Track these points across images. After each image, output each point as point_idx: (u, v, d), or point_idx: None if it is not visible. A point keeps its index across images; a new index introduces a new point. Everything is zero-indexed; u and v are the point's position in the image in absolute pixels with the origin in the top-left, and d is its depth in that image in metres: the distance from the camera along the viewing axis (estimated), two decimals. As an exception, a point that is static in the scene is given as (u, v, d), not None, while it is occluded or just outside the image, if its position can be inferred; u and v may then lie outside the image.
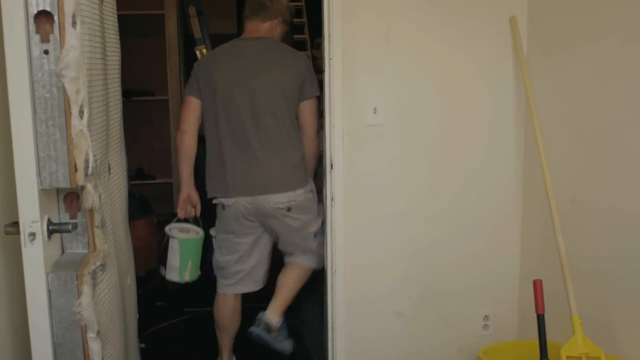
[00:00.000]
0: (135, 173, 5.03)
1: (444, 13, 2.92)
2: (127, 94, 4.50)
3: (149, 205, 4.83)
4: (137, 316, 2.68)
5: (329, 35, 2.81)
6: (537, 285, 2.40)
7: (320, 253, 3.19)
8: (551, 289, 2.58)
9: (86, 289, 1.71)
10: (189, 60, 5.41)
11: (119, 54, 2.32)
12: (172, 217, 5.18)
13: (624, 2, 2.37)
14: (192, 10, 5.83)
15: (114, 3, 2.26)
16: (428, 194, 3.04)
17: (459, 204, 3.06)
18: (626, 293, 2.39)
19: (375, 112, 2.90)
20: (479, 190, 3.07)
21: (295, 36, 8.33)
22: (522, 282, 3.14)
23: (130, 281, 2.45)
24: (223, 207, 3.18)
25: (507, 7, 2.95)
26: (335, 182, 2.92)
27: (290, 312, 4.02)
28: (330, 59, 2.82)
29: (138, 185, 4.89)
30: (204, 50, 5.78)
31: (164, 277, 4.30)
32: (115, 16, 2.26)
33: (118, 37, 2.30)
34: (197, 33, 5.78)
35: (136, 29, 4.85)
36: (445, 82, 2.98)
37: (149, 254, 4.66)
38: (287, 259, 3.35)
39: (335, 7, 2.79)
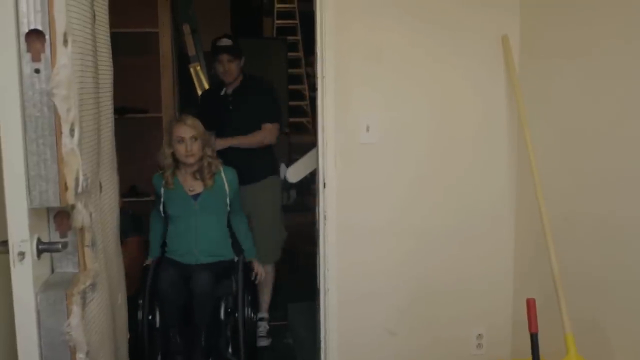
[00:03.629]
0: (129, 190, 5.01)
1: (437, 31, 2.94)
2: (121, 111, 4.49)
3: (141, 224, 4.80)
4: (129, 335, 2.66)
5: (322, 54, 2.82)
6: (531, 304, 2.39)
7: None
8: (544, 305, 2.57)
9: (76, 309, 1.69)
10: (183, 77, 5.42)
11: (111, 72, 2.32)
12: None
13: (614, 19, 2.40)
14: (186, 28, 5.85)
15: (107, 21, 2.26)
16: (421, 211, 3.04)
17: (451, 221, 3.06)
18: (620, 311, 2.39)
19: (368, 130, 2.90)
20: (471, 207, 3.07)
21: (289, 54, 8.38)
22: (515, 300, 3.13)
23: (122, 300, 2.43)
24: None
25: (499, 26, 2.96)
26: (328, 200, 2.91)
27: (284, 331, 4.00)
28: (323, 77, 2.82)
29: (131, 203, 4.86)
30: (198, 68, 5.80)
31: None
32: (108, 34, 2.26)
33: (110, 55, 2.30)
34: (191, 51, 5.80)
35: (130, 47, 4.84)
36: (439, 100, 2.99)
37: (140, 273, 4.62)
38: None
39: (328, 25, 2.80)
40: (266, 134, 3.94)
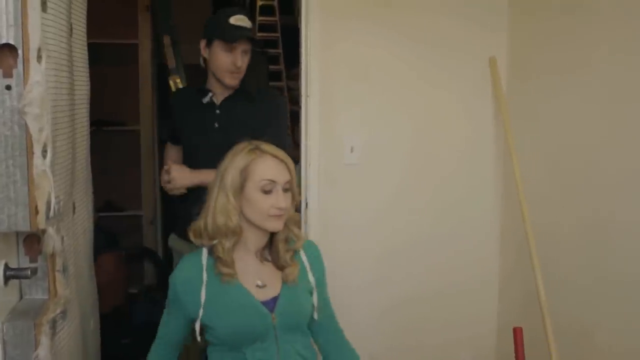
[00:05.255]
0: (104, 205, 4.89)
1: (425, 50, 2.90)
2: (98, 123, 4.39)
3: (115, 239, 4.70)
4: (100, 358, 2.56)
5: (306, 72, 2.75)
6: (517, 334, 2.34)
7: None
8: (530, 333, 2.53)
9: (44, 340, 1.60)
10: (162, 90, 5.32)
11: (88, 87, 2.23)
12: (140, 250, 5.05)
13: (601, 42, 2.40)
14: (167, 40, 5.75)
15: (84, 35, 2.18)
16: (408, 236, 2.98)
17: (437, 247, 3.01)
18: (608, 344, 2.34)
19: (352, 151, 2.83)
20: (456, 233, 3.03)
21: (270, 67, 8.31)
22: (500, 327, 3.08)
23: (94, 325, 2.33)
24: None
25: (487, 47, 2.94)
26: (310, 221, 2.83)
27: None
28: (307, 96, 2.75)
29: (106, 218, 4.75)
30: (178, 81, 5.70)
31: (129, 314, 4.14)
32: (85, 49, 2.18)
33: (87, 70, 2.21)
34: (172, 63, 5.70)
35: (109, 57, 4.75)
36: (426, 120, 2.96)
37: (116, 290, 4.51)
38: None
39: (313, 43, 2.74)
40: None
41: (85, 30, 2.18)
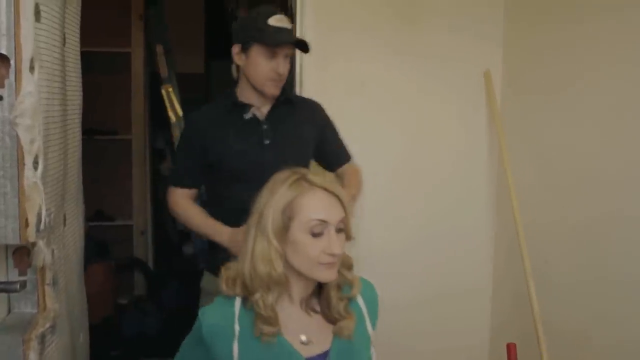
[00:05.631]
0: (95, 214, 4.85)
1: (420, 64, 2.90)
2: (90, 132, 4.36)
3: (106, 249, 4.65)
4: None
5: (301, 86, 2.74)
6: (511, 350, 2.32)
7: None
8: (523, 337, 2.52)
9: (33, 356, 1.57)
10: (154, 99, 5.29)
11: (81, 97, 2.20)
12: (130, 261, 4.99)
13: (594, 56, 2.41)
14: (159, 49, 5.72)
15: (78, 44, 2.15)
16: (401, 244, 2.96)
17: (431, 254, 3.01)
18: (605, 345, 2.35)
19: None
20: (450, 248, 3.03)
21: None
22: (493, 328, 3.09)
23: (83, 338, 2.30)
24: None
25: (482, 61, 2.94)
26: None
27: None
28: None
29: (97, 227, 4.71)
30: (170, 90, 5.67)
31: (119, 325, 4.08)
32: (79, 58, 2.15)
33: (80, 79, 2.19)
34: (164, 72, 5.67)
35: (102, 66, 4.72)
36: (420, 133, 2.97)
37: (105, 300, 4.47)
38: None
39: (308, 57, 2.71)
40: (359, 181, 2.44)
41: (78, 39, 2.16)
